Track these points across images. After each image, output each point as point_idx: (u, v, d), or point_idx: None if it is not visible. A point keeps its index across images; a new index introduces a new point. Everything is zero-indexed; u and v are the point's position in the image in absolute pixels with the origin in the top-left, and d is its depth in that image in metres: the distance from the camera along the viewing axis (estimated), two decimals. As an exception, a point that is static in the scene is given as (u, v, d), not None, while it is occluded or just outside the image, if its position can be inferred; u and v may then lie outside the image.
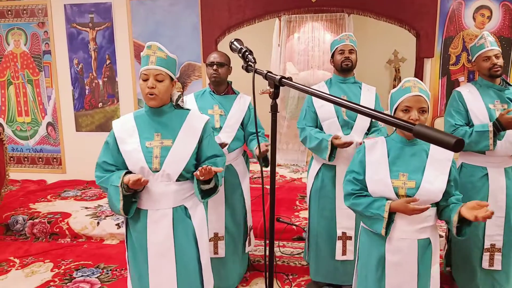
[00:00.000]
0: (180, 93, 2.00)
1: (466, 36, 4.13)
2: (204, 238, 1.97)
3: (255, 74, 1.36)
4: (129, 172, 1.83)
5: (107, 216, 3.73)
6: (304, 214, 3.65)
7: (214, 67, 2.51)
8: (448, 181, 1.75)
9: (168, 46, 1.90)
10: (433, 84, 4.26)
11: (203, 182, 1.84)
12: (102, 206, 4.00)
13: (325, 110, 2.55)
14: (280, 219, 3.45)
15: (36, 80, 4.77)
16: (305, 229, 3.32)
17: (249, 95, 2.50)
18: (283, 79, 1.26)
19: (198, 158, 1.94)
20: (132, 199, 1.83)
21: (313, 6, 4.27)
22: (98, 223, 3.63)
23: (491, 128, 2.26)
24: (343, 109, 2.50)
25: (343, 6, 4.38)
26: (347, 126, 2.52)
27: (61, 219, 3.70)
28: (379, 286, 1.79)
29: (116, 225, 3.60)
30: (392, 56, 6.59)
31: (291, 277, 2.95)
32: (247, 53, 1.47)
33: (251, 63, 1.43)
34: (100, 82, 4.66)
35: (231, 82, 2.67)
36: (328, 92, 2.55)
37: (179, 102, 1.96)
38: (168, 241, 1.86)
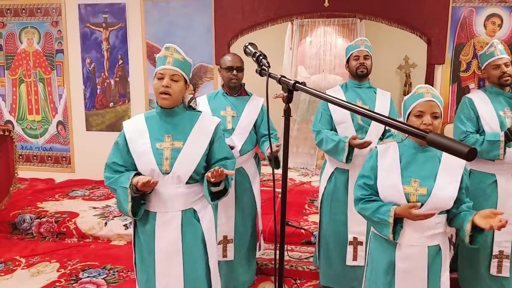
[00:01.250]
0: (192, 95, 1.99)
1: (477, 43, 4.11)
2: (212, 241, 1.96)
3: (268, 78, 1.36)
4: (139, 174, 1.82)
5: (115, 216, 3.74)
6: (313, 218, 3.63)
7: (234, 72, 2.50)
8: (460, 189, 1.74)
9: (181, 47, 1.91)
10: (444, 90, 4.23)
11: (213, 184, 1.82)
12: (110, 206, 4.01)
13: (340, 114, 2.54)
14: (289, 223, 3.43)
15: (48, 79, 4.81)
16: (314, 233, 3.31)
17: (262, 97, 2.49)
18: (297, 84, 1.26)
19: (208, 160, 1.93)
20: (141, 200, 1.83)
21: (326, 11, 4.27)
22: (105, 223, 3.64)
23: (502, 138, 2.27)
24: None
25: (355, 11, 4.37)
26: (361, 130, 2.51)
27: (68, 218, 3.71)
28: (389, 291, 1.77)
29: (123, 225, 3.61)
30: (403, 61, 6.56)
31: (299, 281, 2.93)
32: (261, 57, 1.47)
33: (265, 67, 1.44)
34: (112, 82, 4.69)
35: (244, 83, 2.66)
36: (343, 97, 2.55)
37: (192, 104, 1.95)
38: (176, 244, 1.85)
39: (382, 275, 1.79)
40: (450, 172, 1.73)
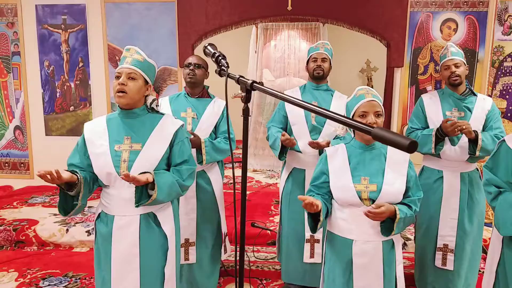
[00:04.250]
0: (154, 97, 1.97)
1: (433, 47, 4.30)
2: (173, 246, 1.92)
3: (228, 79, 1.38)
4: (74, 172, 1.77)
5: (76, 223, 3.64)
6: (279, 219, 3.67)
7: (191, 67, 2.49)
8: (407, 182, 1.82)
9: (144, 50, 1.90)
10: (403, 93, 4.40)
11: (151, 187, 1.77)
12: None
13: (295, 114, 2.61)
14: (255, 224, 3.46)
15: (3, 82, 4.61)
16: (274, 231, 3.34)
17: (223, 100, 2.49)
18: (254, 84, 1.28)
19: (168, 163, 1.91)
20: (75, 200, 1.77)
21: (289, 15, 4.34)
22: (67, 230, 3.53)
23: (433, 133, 2.40)
24: (313, 114, 2.56)
25: (317, 15, 4.47)
26: (315, 131, 2.59)
27: (27, 226, 3.57)
28: (347, 288, 1.82)
29: (86, 232, 3.51)
30: (364, 65, 6.76)
31: (264, 281, 2.95)
32: (220, 58, 1.48)
33: (224, 68, 1.45)
34: (72, 85, 4.55)
35: (208, 86, 2.65)
36: (300, 97, 2.61)
37: (153, 106, 1.93)
38: (134, 248, 1.82)
39: (340, 273, 1.84)
40: (396, 167, 1.81)
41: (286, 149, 2.54)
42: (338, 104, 2.65)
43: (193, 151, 2.43)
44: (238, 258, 1.40)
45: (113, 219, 1.82)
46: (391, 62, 4.38)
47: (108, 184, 1.82)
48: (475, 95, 2.54)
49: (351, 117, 1.85)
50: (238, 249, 1.40)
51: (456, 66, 2.46)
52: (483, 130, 2.45)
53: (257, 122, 5.70)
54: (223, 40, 4.54)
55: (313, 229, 1.83)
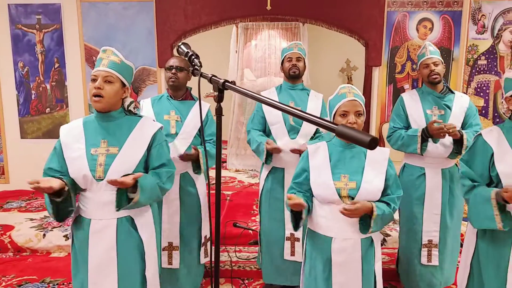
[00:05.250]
0: (132, 99, 1.94)
1: (410, 46, 4.38)
2: (151, 251, 1.89)
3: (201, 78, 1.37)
4: (61, 179, 1.74)
5: (54, 227, 3.55)
6: (260, 219, 3.67)
7: (173, 71, 2.45)
8: (386, 180, 1.83)
9: (121, 50, 1.86)
10: (381, 91, 4.46)
11: (131, 191, 1.75)
12: (48, 217, 3.80)
13: (273, 115, 2.62)
14: (237, 224, 3.44)
15: (-24, 84, 4.48)
16: (256, 230, 3.34)
17: (206, 102, 2.46)
18: (226, 83, 1.27)
19: (146, 167, 1.88)
20: (68, 206, 1.75)
21: (268, 14, 4.35)
22: (44, 235, 3.44)
23: (419, 134, 2.42)
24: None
25: (296, 15, 4.50)
26: (293, 130, 2.60)
27: (2, 232, 3.47)
28: (327, 285, 1.83)
29: (64, 236, 3.43)
30: (344, 64, 6.82)
31: (246, 281, 2.95)
32: (193, 57, 1.47)
33: (197, 67, 1.44)
34: (48, 87, 4.45)
35: (190, 88, 2.61)
36: (276, 98, 2.62)
37: (131, 108, 1.90)
38: (111, 252, 1.79)
39: (320, 270, 1.85)
40: (375, 166, 1.83)
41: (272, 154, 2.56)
42: (314, 104, 2.67)
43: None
44: (213, 259, 1.39)
45: (89, 223, 1.79)
46: (369, 61, 4.43)
47: (85, 187, 1.79)
48: (452, 93, 2.59)
49: (332, 115, 1.87)
50: (213, 249, 1.39)
51: (435, 64, 2.50)
52: (462, 127, 2.50)
53: (239, 122, 5.69)
54: (203, 40, 4.53)
55: (295, 227, 1.85)
